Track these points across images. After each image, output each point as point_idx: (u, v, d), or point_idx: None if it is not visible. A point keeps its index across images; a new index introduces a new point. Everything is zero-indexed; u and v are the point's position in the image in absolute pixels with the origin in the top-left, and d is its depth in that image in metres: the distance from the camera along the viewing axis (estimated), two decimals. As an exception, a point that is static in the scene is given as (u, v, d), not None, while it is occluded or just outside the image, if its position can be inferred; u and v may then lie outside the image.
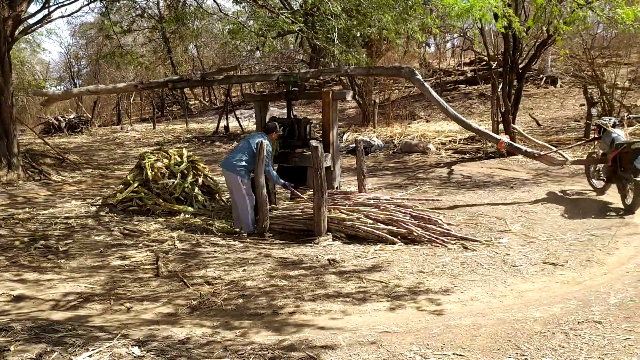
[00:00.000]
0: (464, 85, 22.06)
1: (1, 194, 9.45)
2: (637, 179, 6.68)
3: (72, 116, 23.86)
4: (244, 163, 6.89)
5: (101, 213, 7.86)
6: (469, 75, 22.83)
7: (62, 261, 5.58)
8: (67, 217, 7.64)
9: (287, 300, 4.43)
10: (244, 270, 5.26)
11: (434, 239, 6.11)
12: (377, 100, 17.38)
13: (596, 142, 8.37)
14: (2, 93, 10.29)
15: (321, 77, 24.26)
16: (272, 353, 3.40)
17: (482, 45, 15.72)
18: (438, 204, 7.83)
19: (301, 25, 11.14)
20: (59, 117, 23.63)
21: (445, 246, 5.94)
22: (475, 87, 20.97)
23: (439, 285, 4.71)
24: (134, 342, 3.57)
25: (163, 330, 3.82)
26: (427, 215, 6.58)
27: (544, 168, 10.58)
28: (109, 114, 28.58)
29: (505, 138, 9.02)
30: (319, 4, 10.56)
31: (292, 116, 8.30)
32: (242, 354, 3.41)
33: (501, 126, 12.21)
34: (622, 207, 7.12)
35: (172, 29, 18.66)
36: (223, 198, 8.51)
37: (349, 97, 8.03)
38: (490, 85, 14.57)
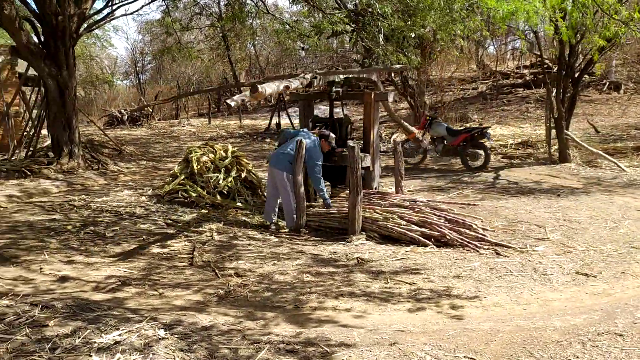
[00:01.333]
0: (521, 89, 21.54)
1: (62, 181, 10.04)
2: None
3: (134, 109, 24.90)
4: (290, 159, 7.01)
5: (149, 203, 8.25)
6: (527, 78, 22.26)
7: (107, 246, 5.93)
8: (118, 206, 8.05)
9: (311, 295, 4.56)
10: (275, 264, 5.43)
11: (466, 243, 6.09)
12: (427, 102, 17.22)
13: None
14: (66, 86, 10.90)
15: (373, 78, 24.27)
16: (287, 345, 3.54)
17: (532, 48, 15.29)
18: (478, 209, 7.75)
19: (351, 25, 11.25)
20: (122, 110, 24.72)
21: (477, 251, 5.91)
22: (534, 91, 20.44)
23: (463, 289, 4.72)
24: (161, 325, 3.79)
25: (190, 317, 4.03)
26: (462, 219, 6.56)
27: (596, 177, 10.27)
28: (168, 108, 29.61)
29: (417, 131, 12.31)
30: (370, 6, 10.64)
31: (334, 116, 8.42)
32: (259, 343, 3.57)
33: (554, 132, 11.89)
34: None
35: (229, 27, 19.20)
36: (265, 193, 8.73)
37: (390, 98, 8.07)
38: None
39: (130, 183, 10.28)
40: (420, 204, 6.94)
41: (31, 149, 11.68)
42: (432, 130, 12.08)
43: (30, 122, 12.46)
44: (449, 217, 6.57)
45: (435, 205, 6.93)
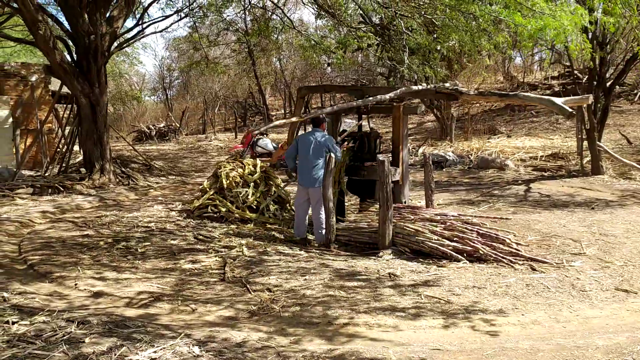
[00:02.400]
0: (550, 100, 21.20)
1: (94, 196, 10.21)
2: None
3: (161, 125, 25.31)
4: (321, 172, 6.98)
5: (179, 218, 8.32)
6: (556, 89, 21.91)
7: (138, 262, 5.98)
8: (149, 221, 8.14)
9: (342, 311, 4.51)
10: (305, 279, 5.39)
11: (500, 258, 5.97)
12: (454, 114, 17.08)
13: None
14: (98, 103, 11.14)
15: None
16: (322, 362, 3.50)
17: (560, 58, 15.09)
18: (510, 223, 7.61)
19: (377, 39, 11.25)
20: (150, 126, 25.15)
21: (512, 266, 5.78)
22: (562, 101, 20.10)
23: (499, 306, 4.60)
24: (195, 342, 3.78)
25: (222, 333, 4.01)
26: (495, 234, 6.43)
27: (631, 190, 10.02)
28: (195, 123, 29.99)
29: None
30: (395, 19, 10.63)
31: (362, 130, 8.39)
32: (293, 360, 3.53)
33: (586, 144, 11.66)
34: None
35: (255, 42, 19.41)
36: (293, 207, 8.72)
37: (420, 111, 8.01)
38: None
39: (159, 198, 10.40)
40: (452, 217, 6.83)
41: (64, 165, 11.92)
42: None
43: (63, 139, 12.74)
44: (481, 232, 6.45)
45: (466, 219, 6.81)
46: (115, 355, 3.46)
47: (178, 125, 25.78)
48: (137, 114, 31.37)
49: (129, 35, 13.38)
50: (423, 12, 9.94)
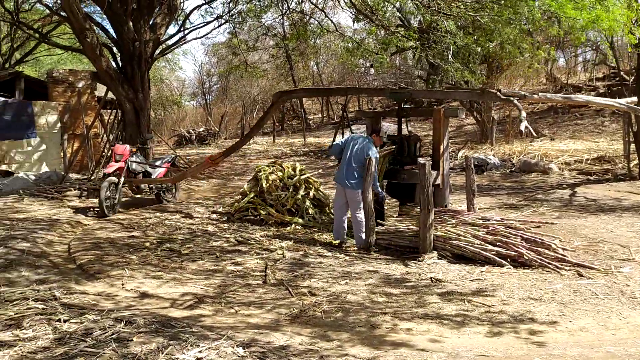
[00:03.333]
0: (594, 102, 20.62)
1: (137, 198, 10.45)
2: None
3: (201, 129, 25.73)
4: (361, 175, 6.99)
5: (220, 220, 8.44)
6: (601, 91, 21.31)
7: (183, 263, 6.09)
8: (191, 223, 8.29)
9: (385, 317, 4.49)
10: (347, 283, 5.39)
11: (545, 263, 5.83)
12: (495, 117, 16.78)
13: None
14: (142, 108, 11.42)
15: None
16: (365, 366, 3.49)
17: (605, 59, 14.68)
18: (555, 228, 7.43)
19: (416, 43, 11.18)
20: (190, 130, 25.59)
21: (558, 272, 5.65)
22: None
23: (546, 312, 4.50)
24: (239, 344, 3.83)
25: (265, 335, 4.05)
26: (540, 239, 6.29)
27: (682, 194, 9.64)
28: (234, 127, 30.38)
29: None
30: (435, 22, 10.54)
31: (402, 133, 8.34)
32: (337, 364, 3.54)
33: (633, 147, 11.29)
34: None
35: (293, 47, 19.57)
36: (332, 211, 8.74)
37: (462, 115, 7.91)
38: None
39: (200, 200, 10.57)
40: (494, 222, 6.72)
41: (109, 168, 12.24)
42: None
43: (108, 144, 13.11)
44: (525, 236, 6.32)
45: (510, 224, 6.69)
46: (162, 354, 3.53)
47: (217, 130, 26.14)
48: (177, 118, 31.96)
49: (171, 42, 13.67)
50: (466, 10, 9.76)
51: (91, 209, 8.94)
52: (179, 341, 3.79)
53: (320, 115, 30.35)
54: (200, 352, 3.63)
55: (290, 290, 5.14)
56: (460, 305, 4.75)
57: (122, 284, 5.28)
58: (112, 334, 3.89)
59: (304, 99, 30.88)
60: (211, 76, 34.52)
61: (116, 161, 8.85)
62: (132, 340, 3.79)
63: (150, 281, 5.41)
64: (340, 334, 4.16)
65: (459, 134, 19.96)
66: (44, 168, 12.68)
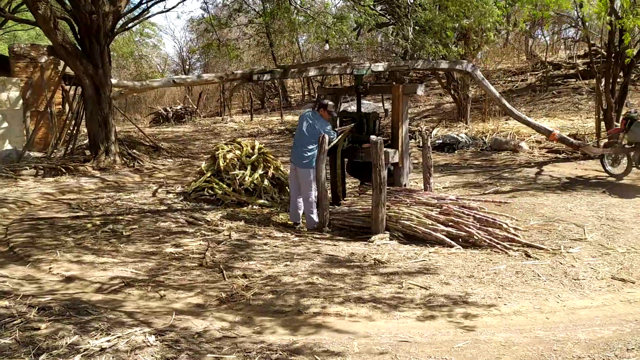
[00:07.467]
0: (574, 80, 20.45)
1: (97, 178, 10.18)
2: None
3: (178, 107, 25.28)
4: (312, 154, 6.77)
5: (176, 200, 8.20)
6: (580, 68, 21.11)
7: (121, 245, 5.86)
8: (144, 203, 8.05)
9: (316, 300, 4.30)
10: (287, 265, 5.20)
11: (494, 243, 5.68)
12: (470, 95, 16.57)
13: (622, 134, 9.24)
14: (102, 85, 11.05)
15: (419, 71, 23.69)
16: (277, 354, 3.32)
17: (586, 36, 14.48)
18: (514, 207, 7.30)
19: (387, 17, 10.89)
20: (167, 108, 25.14)
21: (506, 252, 5.50)
22: (586, 81, 19.37)
23: (482, 295, 4.34)
24: (154, 331, 3.64)
25: (185, 321, 3.86)
26: (492, 218, 6.14)
27: (649, 171, 9.53)
28: (214, 105, 29.88)
29: (556, 131, 10.20)
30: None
31: (361, 111, 8.11)
32: (249, 352, 3.36)
33: (603, 124, 11.16)
34: None
35: (271, 23, 19.09)
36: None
37: (420, 92, 7.68)
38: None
39: (161, 180, 10.31)
40: (449, 201, 6.55)
41: (70, 146, 11.92)
42: (632, 133, 8.94)
43: (73, 121, 12.73)
44: (477, 216, 6.16)
45: (464, 203, 6.52)
46: (65, 343, 3.34)
47: (195, 107, 25.70)
48: (157, 95, 31.37)
49: (134, 15, 13.19)
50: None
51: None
52: (89, 329, 3.59)
53: (301, 93, 29.93)
54: (108, 340, 3.44)
55: (225, 272, 4.95)
56: (398, 287, 4.58)
57: (50, 268, 5.05)
58: (22, 321, 3.68)
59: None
60: (192, 53, 33.83)
61: None
62: (39, 328, 3.59)
63: (81, 265, 5.18)
64: (264, 318, 3.97)
65: (437, 112, 19.75)
66: (7, 146, 12.32)
